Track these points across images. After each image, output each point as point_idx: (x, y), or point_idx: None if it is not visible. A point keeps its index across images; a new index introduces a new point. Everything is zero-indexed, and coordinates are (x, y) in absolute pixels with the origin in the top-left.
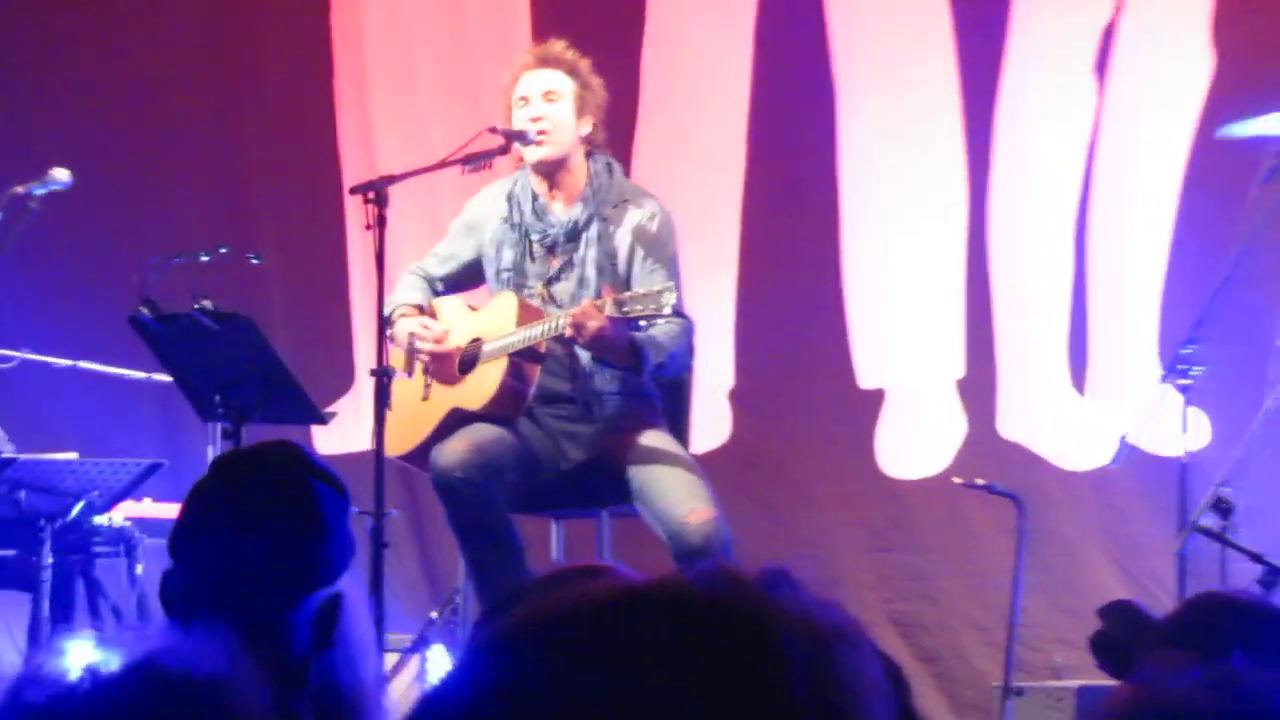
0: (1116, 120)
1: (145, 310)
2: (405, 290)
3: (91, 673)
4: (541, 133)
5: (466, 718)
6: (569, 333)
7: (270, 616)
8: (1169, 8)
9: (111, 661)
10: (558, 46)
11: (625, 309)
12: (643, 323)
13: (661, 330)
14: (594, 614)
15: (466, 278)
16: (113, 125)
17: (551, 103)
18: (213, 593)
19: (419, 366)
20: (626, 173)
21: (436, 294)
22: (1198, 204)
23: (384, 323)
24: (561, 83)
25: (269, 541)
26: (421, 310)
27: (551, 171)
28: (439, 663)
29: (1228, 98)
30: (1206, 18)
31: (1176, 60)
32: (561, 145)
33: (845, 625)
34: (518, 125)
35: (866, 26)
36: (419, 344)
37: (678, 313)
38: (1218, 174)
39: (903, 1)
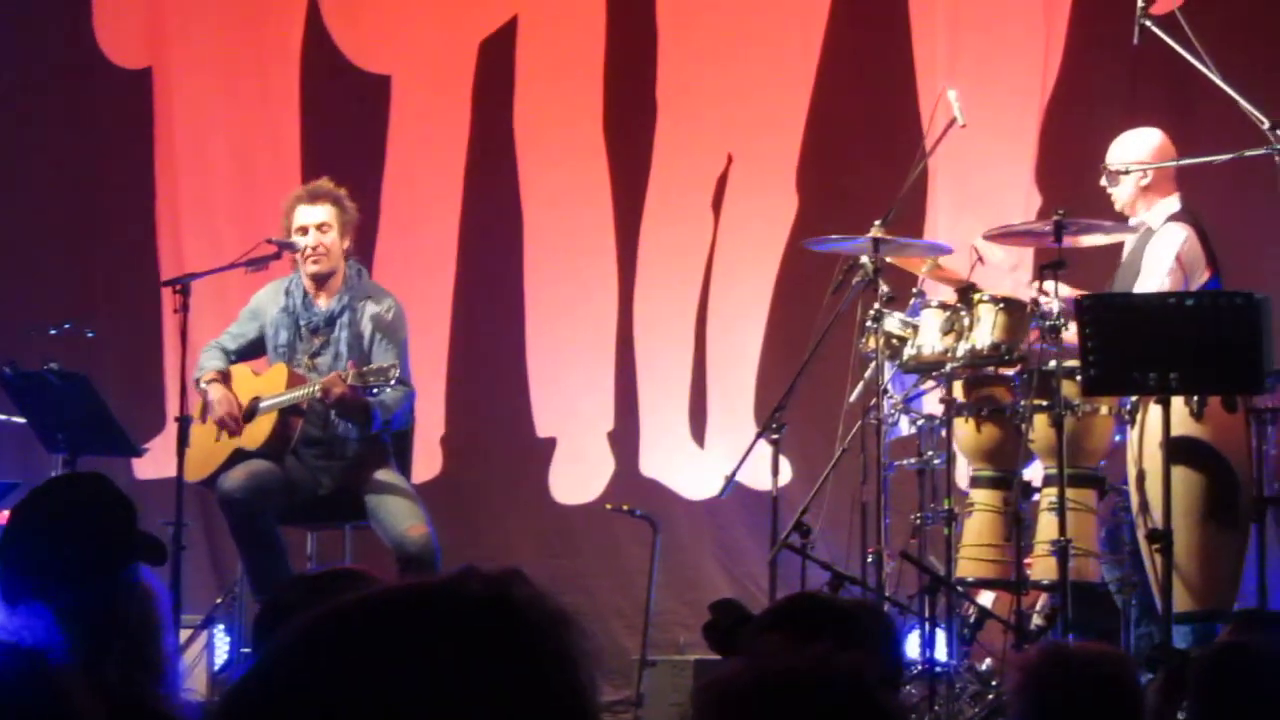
0: (727, 240)
1: (7, 369)
2: (209, 359)
3: None
4: (318, 259)
5: (289, 693)
6: (320, 395)
7: (75, 599)
8: (766, 163)
9: None
10: (326, 184)
11: (363, 379)
12: (375, 390)
13: (390, 396)
14: (390, 607)
15: (251, 350)
16: None
17: (324, 233)
18: (32, 581)
19: (211, 418)
20: (370, 273)
21: (230, 362)
22: (786, 305)
23: (195, 382)
24: (330, 214)
25: (72, 543)
26: (223, 374)
27: (322, 278)
28: (221, 636)
29: (809, 229)
30: (794, 168)
31: (772, 199)
32: (332, 263)
33: (567, 611)
34: (299, 246)
35: (546, 167)
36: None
37: (403, 382)
38: (801, 284)
39: (570, 150)
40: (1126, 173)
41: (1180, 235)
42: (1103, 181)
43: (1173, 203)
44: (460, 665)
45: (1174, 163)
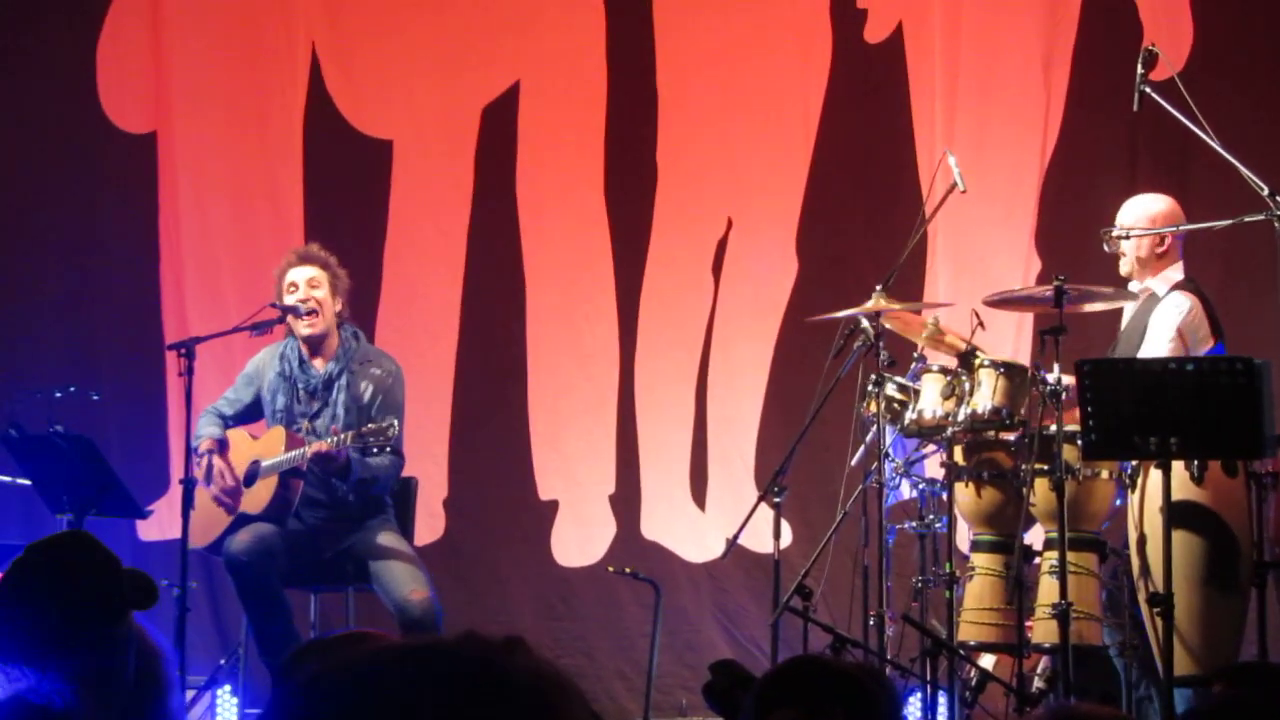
0: (727, 304)
1: (13, 431)
2: (206, 425)
3: None
4: (311, 322)
5: None
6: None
7: (69, 659)
8: (766, 227)
9: None
10: (315, 247)
11: (362, 440)
12: (375, 450)
13: (375, 460)
14: (387, 665)
15: (248, 415)
16: None
17: (314, 288)
18: (22, 646)
19: (209, 492)
20: (370, 337)
21: (227, 427)
22: (785, 370)
23: (192, 449)
24: (319, 274)
25: (58, 605)
26: (219, 442)
27: (317, 341)
28: (225, 697)
29: (808, 293)
30: (794, 232)
31: (772, 263)
32: (325, 324)
33: (567, 681)
34: (302, 311)
35: (548, 232)
36: (216, 487)
37: (396, 450)
38: (801, 348)
39: (572, 214)
40: (1127, 238)
41: (1185, 304)
42: (1106, 245)
43: (1177, 271)
44: None
45: (1174, 229)
